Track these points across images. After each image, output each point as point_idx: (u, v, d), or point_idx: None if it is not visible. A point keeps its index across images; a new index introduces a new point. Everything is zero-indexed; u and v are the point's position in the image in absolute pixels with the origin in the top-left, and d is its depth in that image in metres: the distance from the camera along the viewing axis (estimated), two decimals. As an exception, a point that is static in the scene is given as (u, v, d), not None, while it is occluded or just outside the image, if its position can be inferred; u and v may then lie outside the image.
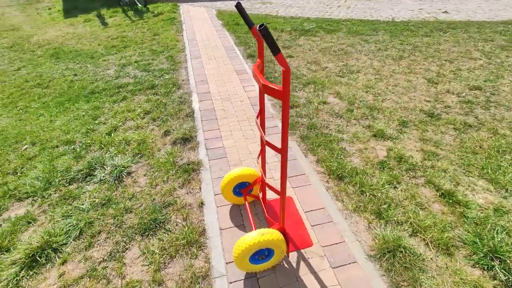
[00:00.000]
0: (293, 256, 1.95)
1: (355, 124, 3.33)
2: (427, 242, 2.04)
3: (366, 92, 3.97)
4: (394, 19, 6.79)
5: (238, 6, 1.51)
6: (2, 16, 9.33)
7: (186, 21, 7.04)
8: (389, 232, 2.08)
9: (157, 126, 3.42)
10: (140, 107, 3.80)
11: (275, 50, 1.14)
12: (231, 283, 1.81)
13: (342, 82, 4.23)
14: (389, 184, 2.52)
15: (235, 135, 3.13)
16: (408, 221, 2.19)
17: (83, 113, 3.85)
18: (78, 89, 4.52)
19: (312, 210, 2.26)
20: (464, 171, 2.66)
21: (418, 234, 2.10)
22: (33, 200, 2.57)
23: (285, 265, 1.90)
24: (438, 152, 2.89)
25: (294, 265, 1.90)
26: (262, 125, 1.88)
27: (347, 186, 2.50)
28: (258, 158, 1.92)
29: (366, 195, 2.41)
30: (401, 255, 1.93)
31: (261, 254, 1.75)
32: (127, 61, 5.23)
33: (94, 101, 4.10)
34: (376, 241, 2.04)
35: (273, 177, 2.59)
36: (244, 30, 6.29)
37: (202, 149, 2.97)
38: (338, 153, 2.87)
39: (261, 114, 1.85)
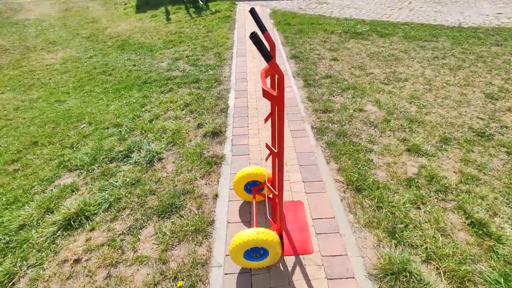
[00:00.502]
0: (290, 260, 1.97)
1: (389, 136, 3.15)
2: (440, 272, 1.88)
3: (410, 102, 3.70)
4: (461, 24, 6.12)
5: (252, 12, 1.57)
6: (87, 9, 10.67)
7: (240, 20, 7.27)
8: (398, 253, 1.96)
9: (193, 118, 3.65)
10: (182, 99, 4.08)
11: (267, 57, 1.18)
12: (226, 274, 1.90)
13: (385, 90, 3.99)
14: (412, 204, 2.35)
15: (261, 134, 3.20)
16: (424, 245, 2.03)
17: (134, 100, 4.27)
18: (134, 78, 5.01)
19: (321, 218, 2.23)
20: (507, 201, 2.35)
21: (431, 261, 1.94)
22: (80, 172, 2.97)
23: (281, 267, 1.93)
24: (479, 176, 2.59)
25: (290, 268, 1.91)
26: (273, 127, 1.91)
27: (364, 199, 2.41)
28: (266, 160, 1.97)
29: (382, 211, 2.29)
30: (404, 279, 1.81)
31: (256, 252, 1.80)
32: (179, 56, 5.62)
33: (145, 90, 4.51)
34: (381, 260, 1.95)
35: (289, 180, 2.60)
36: (293, 31, 6.28)
37: (228, 144, 3.10)
38: (363, 164, 2.75)
39: (272, 116, 1.88)
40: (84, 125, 3.88)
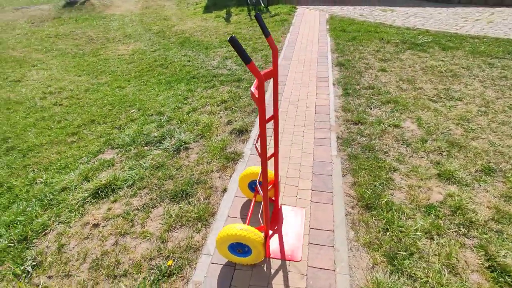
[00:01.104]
0: (276, 263, 1.98)
1: (421, 157, 2.90)
2: (435, 311, 1.71)
3: (457, 124, 3.33)
4: (552, 42, 5.23)
5: (257, 17, 1.63)
6: (163, 8, 11.78)
7: (295, 24, 7.30)
8: (391, 281, 1.83)
9: (226, 115, 3.83)
10: (221, 96, 4.30)
11: (245, 60, 1.24)
12: (212, 263, 2.00)
13: (431, 107, 3.66)
14: (424, 233, 2.15)
15: (284, 137, 3.22)
16: (425, 279, 1.86)
17: (180, 93, 4.64)
18: (185, 73, 5.43)
19: (319, 229, 2.19)
20: (547, 251, 2.00)
21: (428, 297, 1.77)
22: (119, 150, 3.37)
23: (265, 268, 1.95)
24: (519, 216, 2.24)
25: (273, 271, 1.93)
26: (276, 130, 1.95)
27: (372, 218, 2.28)
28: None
29: (387, 234, 2.14)
30: (388, 308, 1.69)
31: (240, 247, 1.87)
32: (230, 55, 5.90)
33: (191, 85, 4.86)
34: (370, 284, 1.84)
35: (298, 186, 2.59)
36: (347, 38, 6.09)
37: (249, 143, 3.20)
38: (382, 182, 2.60)
39: (274, 119, 1.92)
40: (133, 110, 4.35)
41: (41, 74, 6.06)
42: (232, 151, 3.11)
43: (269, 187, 2.18)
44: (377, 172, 2.71)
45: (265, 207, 1.75)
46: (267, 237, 1.85)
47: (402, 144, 3.08)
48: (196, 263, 2.02)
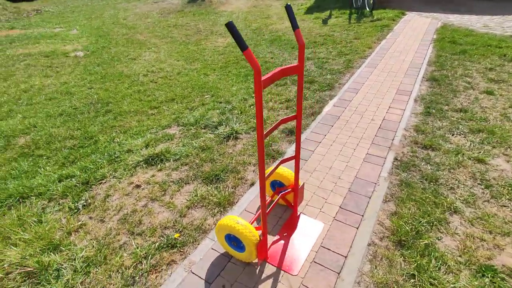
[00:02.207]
0: (270, 269, 1.88)
1: (502, 206, 2.27)
2: None
3: None
4: None
5: (287, 8, 1.55)
6: (269, 7, 12.29)
7: (396, 30, 6.59)
8: (391, 334, 1.52)
9: (284, 114, 3.78)
10: (287, 95, 4.27)
11: (241, 47, 1.21)
12: (212, 249, 2.04)
13: (542, 147, 2.80)
14: (465, 295, 1.70)
15: (333, 147, 2.99)
16: None
17: (252, 86, 4.81)
18: (264, 68, 5.58)
19: (329, 250, 1.98)
20: None
21: None
22: (182, 128, 3.73)
23: (257, 270, 1.88)
24: None
25: (264, 276, 1.84)
26: (298, 131, 1.84)
27: (400, 257, 1.92)
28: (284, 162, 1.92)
29: (411, 282, 1.77)
30: None
31: (235, 241, 1.85)
32: (312, 56, 5.77)
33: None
34: (364, 328, 1.56)
35: (327, 200, 2.38)
36: (454, 50, 5.16)
37: (294, 145, 3.08)
38: (432, 221, 2.15)
39: (297, 119, 1.81)
40: (207, 96, 4.73)
41: (151, 56, 7.16)
42: (275, 149, 3.06)
43: (286, 190, 2.08)
44: (430, 208, 2.25)
45: (262, 207, 1.68)
46: (262, 240, 1.77)
47: (479, 184, 2.47)
48: (198, 244, 2.10)
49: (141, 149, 3.26)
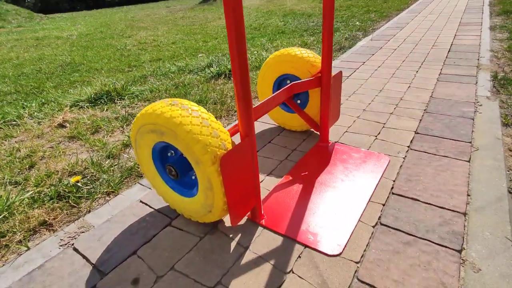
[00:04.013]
0: (268, 243, 0.73)
1: None
2: None
3: None
4: None
5: None
6: (284, 0, 11.53)
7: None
8: None
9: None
10: (302, 40, 3.22)
11: None
12: (139, 202, 0.92)
13: None
14: None
15: (379, 71, 1.85)
16: None
17: (258, 43, 3.82)
18: (273, 30, 4.62)
19: (416, 200, 0.80)
20: None
21: None
22: (159, 77, 2.71)
23: (231, 245, 0.73)
24: None
25: (249, 257, 0.69)
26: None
27: None
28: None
29: None
30: None
31: (173, 163, 0.72)
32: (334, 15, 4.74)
33: (274, 37, 4.00)
34: None
35: (383, 124, 1.22)
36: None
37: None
38: None
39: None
40: (201, 54, 3.75)
41: (147, 34, 6.36)
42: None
43: (310, 78, 0.96)
44: None
45: (233, 57, 0.56)
46: (242, 147, 0.64)
47: None
48: (117, 194, 0.98)
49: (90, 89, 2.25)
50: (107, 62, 3.82)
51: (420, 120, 1.22)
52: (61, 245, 0.77)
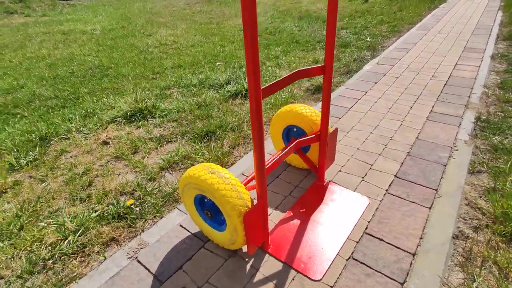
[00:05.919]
0: (272, 267, 1.05)
1: None
2: None
3: None
4: None
5: None
6: (299, -5, 11.49)
7: (451, 1, 5.51)
8: None
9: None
10: (315, 56, 3.44)
11: None
12: (179, 226, 1.25)
13: None
14: None
15: (378, 104, 2.11)
16: None
17: (273, 53, 4.03)
18: (289, 38, 4.79)
19: (381, 241, 1.10)
20: None
21: None
22: (183, 89, 3.01)
23: (247, 266, 1.05)
24: None
25: (259, 277, 1.01)
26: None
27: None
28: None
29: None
30: None
31: (210, 208, 1.04)
32: (347, 26, 4.88)
33: (289, 47, 4.20)
34: None
35: (371, 165, 1.50)
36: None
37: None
38: None
39: (326, 69, 0.98)
40: (219, 62, 4.01)
41: (167, 32, 6.62)
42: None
43: (310, 135, 1.25)
44: (555, 186, 1.30)
45: (256, 150, 0.86)
46: (255, 204, 0.95)
47: None
48: (161, 217, 1.31)
49: (124, 104, 2.58)
50: (133, 67, 4.13)
51: (402, 163, 1.50)
52: (128, 258, 1.11)
